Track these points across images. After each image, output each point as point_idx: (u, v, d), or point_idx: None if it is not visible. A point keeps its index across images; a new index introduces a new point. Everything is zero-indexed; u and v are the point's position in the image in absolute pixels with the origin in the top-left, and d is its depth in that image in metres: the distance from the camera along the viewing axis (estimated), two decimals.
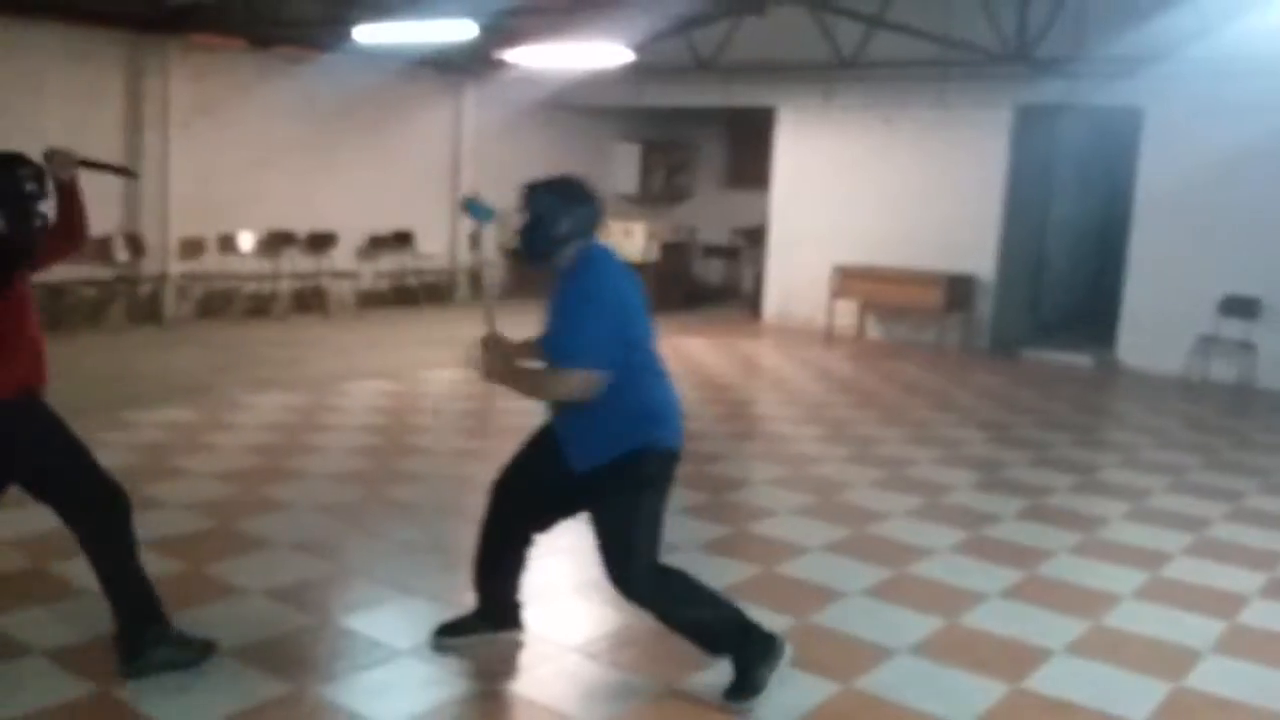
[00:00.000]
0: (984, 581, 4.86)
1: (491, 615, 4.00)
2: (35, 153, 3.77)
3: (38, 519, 4.13)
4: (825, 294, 12.38)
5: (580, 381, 3.43)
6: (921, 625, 4.35)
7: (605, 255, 3.65)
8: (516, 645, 4.02)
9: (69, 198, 3.73)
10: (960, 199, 11.87)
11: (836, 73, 11.59)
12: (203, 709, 3.42)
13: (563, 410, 3.61)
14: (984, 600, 4.65)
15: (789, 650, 3.71)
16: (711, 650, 3.69)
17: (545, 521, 3.88)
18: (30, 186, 3.50)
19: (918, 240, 12.12)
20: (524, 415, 7.76)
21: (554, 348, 3.55)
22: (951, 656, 4.07)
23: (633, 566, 3.53)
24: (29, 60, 9.96)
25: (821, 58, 11.19)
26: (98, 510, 3.56)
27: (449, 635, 3.97)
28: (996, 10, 9.89)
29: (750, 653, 3.63)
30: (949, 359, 11.43)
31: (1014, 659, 4.09)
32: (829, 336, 12.35)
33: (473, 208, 3.95)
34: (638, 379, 3.54)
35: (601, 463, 3.54)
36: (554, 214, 3.57)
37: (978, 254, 11.78)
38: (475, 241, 4.46)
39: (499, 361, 3.68)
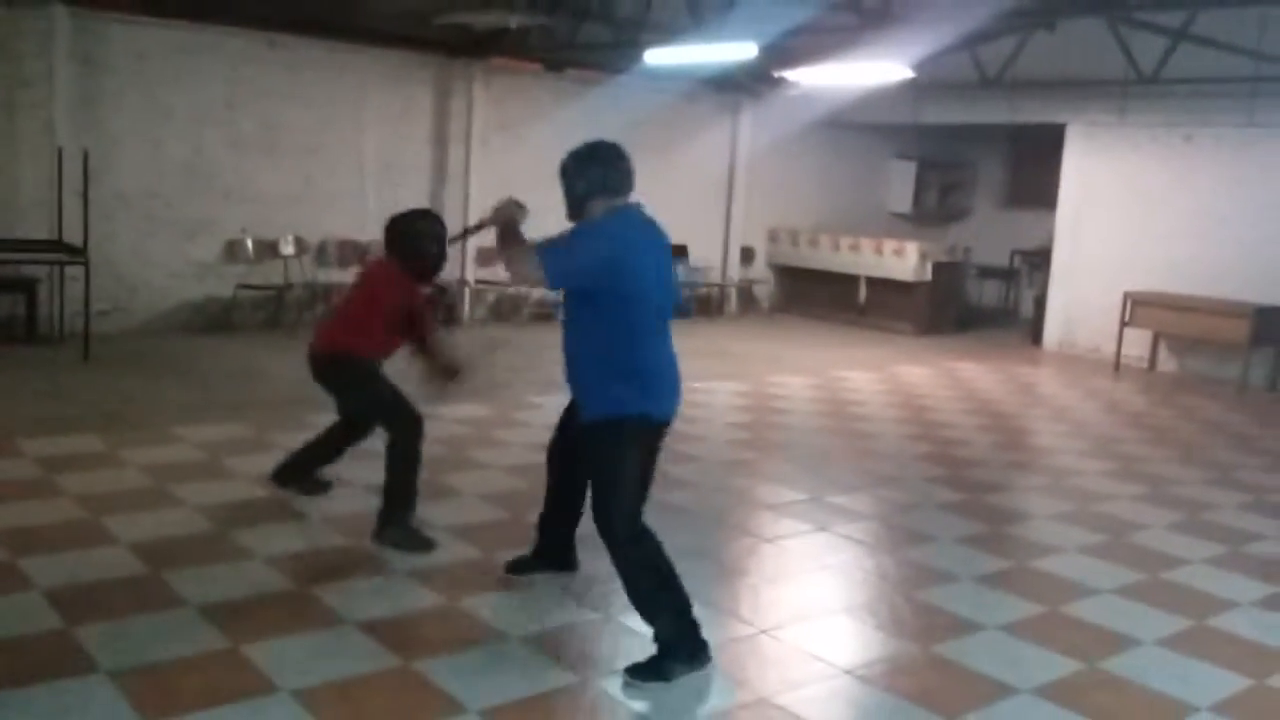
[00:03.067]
0: None
1: (553, 559, 4.64)
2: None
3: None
4: (1113, 321, 11.68)
5: (531, 271, 3.76)
6: (1225, 683, 4.05)
7: (627, 216, 3.89)
8: (788, 660, 4.05)
9: (426, 317, 5.15)
10: (1272, 223, 10.92)
11: (1133, 88, 10.95)
12: (499, 689, 3.65)
13: (570, 365, 3.96)
14: None
15: (711, 665, 3.84)
16: (648, 620, 3.88)
17: (575, 471, 4.29)
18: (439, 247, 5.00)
19: (1220, 268, 11.24)
20: (792, 430, 7.85)
21: (543, 248, 3.80)
22: None
23: (614, 515, 3.84)
24: (351, 81, 10.95)
25: (1117, 73, 10.61)
26: (403, 429, 4.91)
27: (515, 571, 4.65)
28: None
29: (679, 647, 3.82)
30: (1254, 397, 10.53)
31: None
32: (1116, 367, 11.65)
33: None
34: (636, 340, 3.83)
35: (596, 417, 3.85)
36: (572, 175, 3.93)
37: None
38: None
39: (507, 213, 4.08)
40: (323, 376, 5.07)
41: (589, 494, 3.98)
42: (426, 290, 5.23)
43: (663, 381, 3.92)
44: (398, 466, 4.91)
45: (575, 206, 3.94)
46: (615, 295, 3.75)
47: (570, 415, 4.29)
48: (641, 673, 3.79)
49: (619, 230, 3.84)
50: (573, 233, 3.88)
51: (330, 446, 5.36)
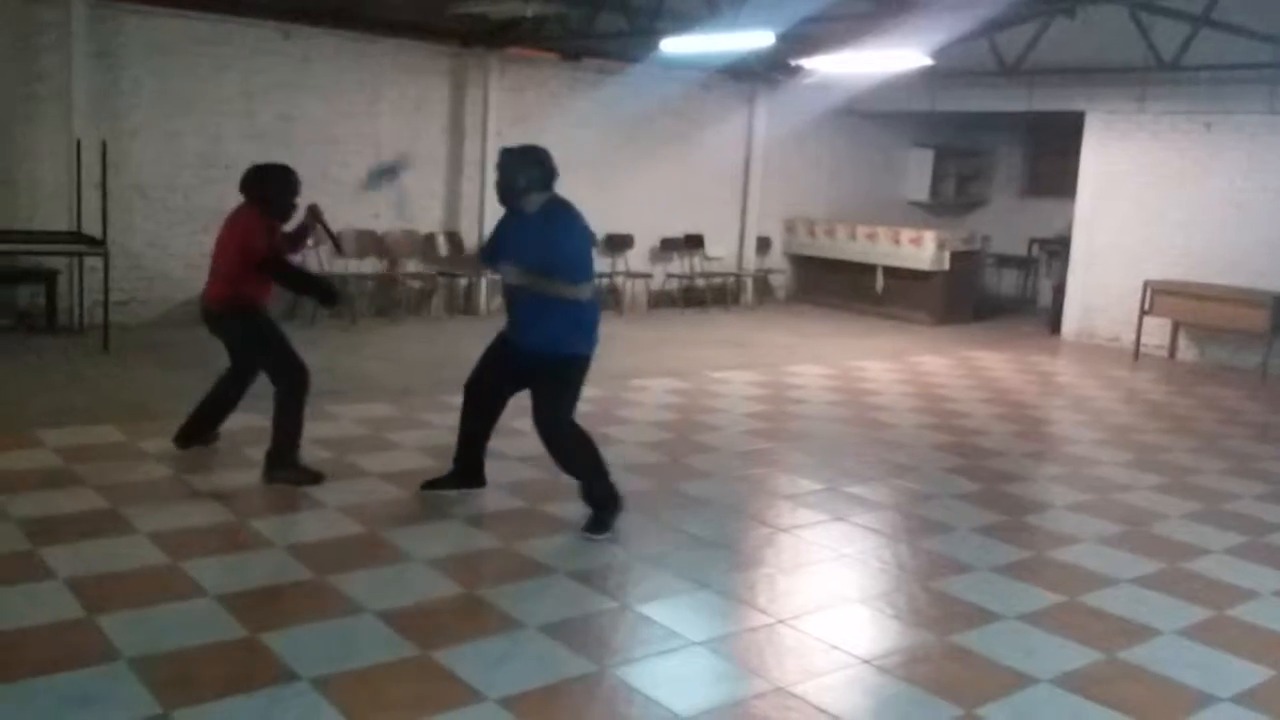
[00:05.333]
0: None
1: (467, 478, 5.48)
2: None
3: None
4: (1132, 310, 11.61)
5: (578, 292, 4.88)
6: (1246, 674, 4.03)
7: (573, 210, 4.95)
8: (805, 650, 4.05)
9: (304, 232, 5.96)
10: None
11: (1153, 76, 10.85)
12: (517, 678, 3.65)
13: (523, 308, 5.02)
14: None
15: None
16: (586, 486, 5.12)
17: (504, 397, 5.33)
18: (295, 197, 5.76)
19: (1241, 256, 11.16)
20: (809, 420, 7.84)
21: (575, 269, 4.90)
22: None
23: (559, 423, 5.03)
24: (367, 73, 10.96)
25: (1137, 60, 10.51)
26: (290, 379, 5.57)
27: (430, 488, 5.48)
28: None
29: (609, 504, 5.10)
30: (1275, 386, 10.45)
31: None
32: (1136, 356, 11.58)
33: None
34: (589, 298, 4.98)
35: (547, 352, 4.96)
36: (514, 171, 4.89)
37: None
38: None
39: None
40: (217, 329, 5.73)
41: (544, 408, 5.03)
42: (289, 227, 5.93)
43: (596, 326, 5.10)
44: (284, 413, 5.57)
45: (515, 196, 4.92)
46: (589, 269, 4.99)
47: (497, 357, 5.24)
48: (594, 529, 5.03)
49: (579, 215, 4.95)
50: (565, 237, 4.89)
51: (225, 400, 5.95)
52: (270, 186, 5.67)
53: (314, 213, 5.92)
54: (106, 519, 4.93)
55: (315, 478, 5.61)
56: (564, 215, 4.92)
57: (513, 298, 5.11)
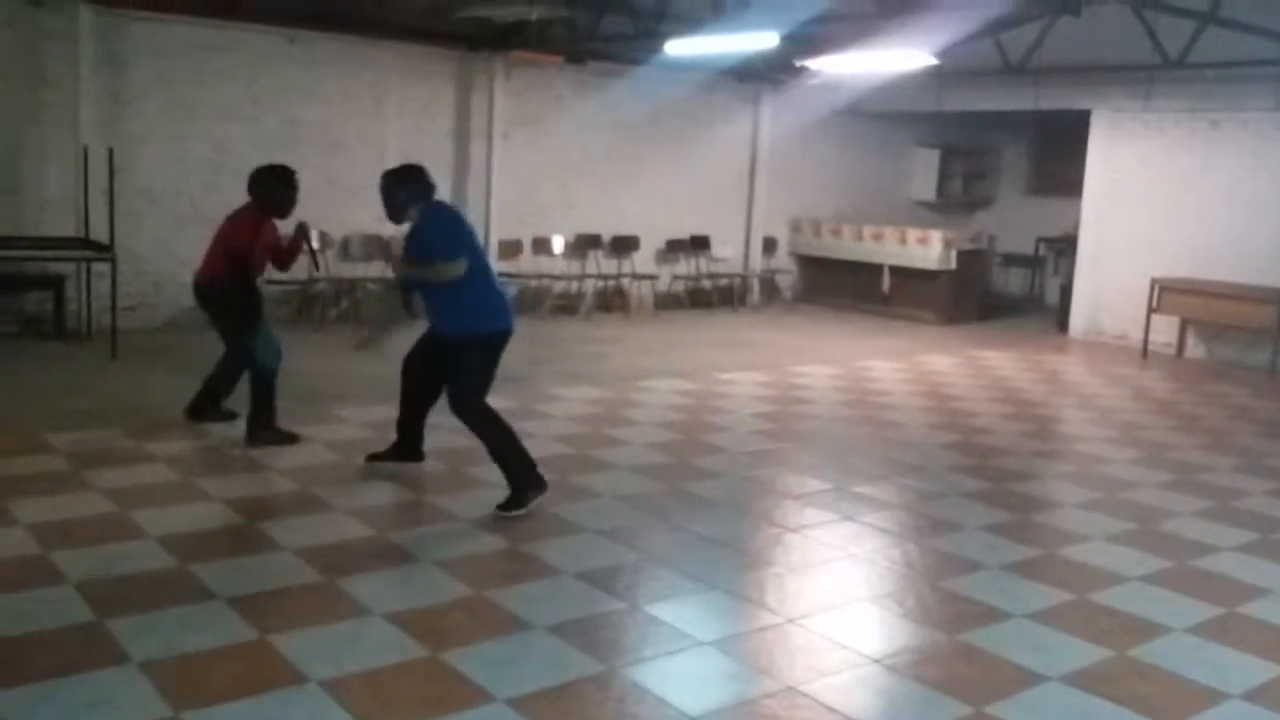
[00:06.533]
0: None
1: (405, 452, 5.90)
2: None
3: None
4: (1140, 308, 11.58)
5: (453, 269, 5.26)
6: (1256, 670, 4.02)
7: (443, 207, 5.61)
8: (815, 649, 4.04)
9: (295, 246, 6.52)
10: None
11: (1159, 74, 10.83)
12: (526, 679, 3.65)
13: (435, 301, 5.44)
14: None
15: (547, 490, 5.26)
16: (504, 466, 5.38)
17: (435, 377, 5.57)
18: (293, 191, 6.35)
19: (1248, 253, 11.13)
20: (816, 420, 7.84)
21: (448, 248, 5.31)
22: None
23: (468, 400, 5.35)
24: (372, 76, 10.98)
25: (1142, 58, 10.49)
26: (253, 360, 6.22)
27: (374, 460, 5.93)
28: None
29: (527, 482, 5.35)
30: None
31: None
32: (1144, 354, 11.55)
33: None
34: (478, 282, 5.37)
35: (459, 335, 5.35)
36: (394, 190, 5.42)
37: None
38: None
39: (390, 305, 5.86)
40: (205, 304, 6.36)
41: (451, 386, 5.38)
42: (280, 229, 6.50)
43: (502, 303, 5.47)
44: (258, 387, 6.20)
45: (398, 210, 5.42)
46: (468, 252, 5.32)
47: (428, 342, 5.61)
48: (508, 507, 5.29)
49: (452, 214, 5.61)
50: (435, 234, 5.37)
51: (226, 378, 6.54)
52: (265, 185, 6.22)
53: (302, 231, 6.45)
54: (115, 523, 4.95)
55: (290, 438, 6.25)
56: (433, 211, 5.45)
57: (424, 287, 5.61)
